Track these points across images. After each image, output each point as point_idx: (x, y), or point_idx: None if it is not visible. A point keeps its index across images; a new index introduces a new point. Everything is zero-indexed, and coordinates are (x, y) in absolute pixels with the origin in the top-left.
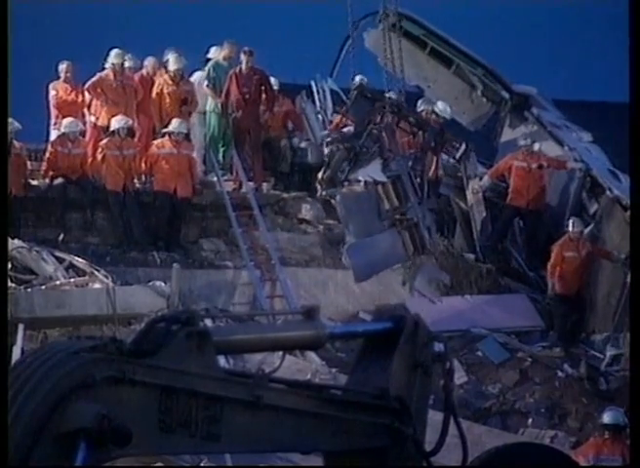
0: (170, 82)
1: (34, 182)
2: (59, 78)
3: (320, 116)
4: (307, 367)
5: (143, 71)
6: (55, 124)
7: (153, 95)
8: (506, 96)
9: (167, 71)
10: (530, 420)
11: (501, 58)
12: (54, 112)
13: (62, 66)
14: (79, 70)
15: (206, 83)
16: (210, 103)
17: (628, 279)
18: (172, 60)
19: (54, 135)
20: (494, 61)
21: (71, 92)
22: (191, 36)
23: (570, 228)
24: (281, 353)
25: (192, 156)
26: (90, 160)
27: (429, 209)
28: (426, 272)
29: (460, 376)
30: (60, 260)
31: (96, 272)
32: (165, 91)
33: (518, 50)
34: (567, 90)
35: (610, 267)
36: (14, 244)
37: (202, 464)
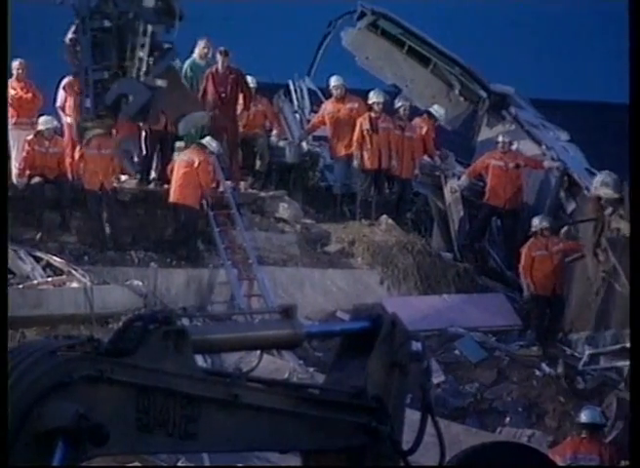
0: None
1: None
2: (11, 76)
3: (298, 115)
4: (285, 366)
5: None
6: (14, 123)
7: None
8: (484, 95)
9: None
10: (507, 419)
11: (482, 57)
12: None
13: (15, 64)
14: (35, 68)
15: (183, 82)
16: None
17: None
18: None
19: (12, 134)
20: (473, 61)
21: (25, 90)
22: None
23: (534, 226)
24: (258, 352)
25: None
26: (68, 160)
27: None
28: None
29: (437, 375)
30: (38, 260)
31: (73, 271)
32: None
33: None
34: (545, 89)
35: (588, 266)
36: None
37: (179, 463)
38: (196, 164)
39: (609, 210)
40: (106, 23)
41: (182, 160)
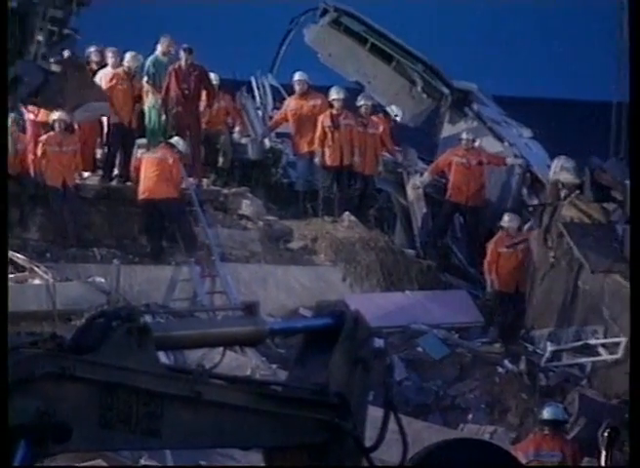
0: (124, 77)
1: None
2: None
3: (260, 112)
4: (247, 362)
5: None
6: None
7: (104, 89)
8: (446, 91)
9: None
10: (470, 416)
11: (444, 54)
12: None
13: None
14: None
15: (145, 79)
16: (150, 99)
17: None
18: (128, 58)
19: None
20: (436, 58)
21: None
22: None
23: (504, 221)
24: (221, 349)
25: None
26: (30, 156)
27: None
28: None
29: (399, 372)
30: None
31: (35, 268)
32: (119, 87)
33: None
34: (507, 86)
35: (552, 264)
36: None
37: (142, 461)
38: (171, 161)
39: (564, 195)
40: (14, 4)
41: (154, 157)
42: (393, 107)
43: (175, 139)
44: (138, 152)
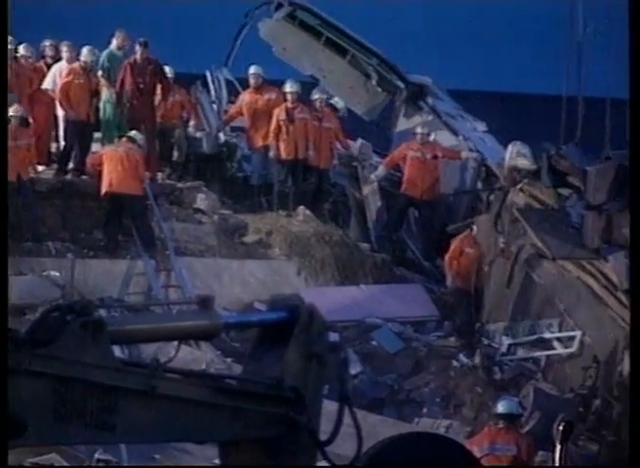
0: (81, 72)
1: None
2: None
3: (215, 106)
4: (202, 356)
5: (41, 61)
6: None
7: (60, 84)
8: (401, 85)
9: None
10: (424, 410)
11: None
12: None
13: None
14: None
15: (100, 73)
16: (104, 93)
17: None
18: (85, 52)
19: None
20: (391, 52)
21: None
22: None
23: (474, 230)
24: (176, 343)
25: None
26: None
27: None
28: None
29: (354, 366)
30: None
31: None
32: (75, 81)
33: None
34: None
35: (502, 249)
36: None
37: (97, 455)
38: (137, 157)
39: (520, 180)
40: None
41: (117, 151)
42: (336, 99)
43: (133, 133)
44: (93, 146)
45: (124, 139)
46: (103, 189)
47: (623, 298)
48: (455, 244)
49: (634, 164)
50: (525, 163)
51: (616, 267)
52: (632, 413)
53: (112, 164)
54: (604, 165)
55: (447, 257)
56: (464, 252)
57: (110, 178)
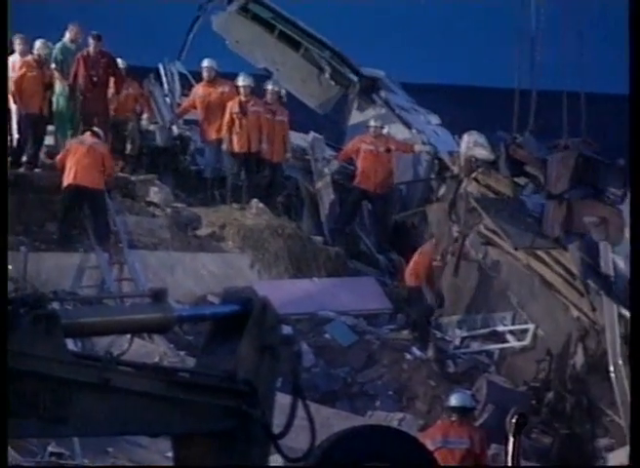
0: (34, 65)
1: None
2: None
3: (168, 99)
4: (155, 349)
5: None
6: None
7: (14, 77)
8: (354, 78)
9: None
10: (378, 403)
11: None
12: None
13: None
14: None
15: (53, 66)
16: (57, 86)
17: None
18: (38, 45)
19: None
20: (344, 45)
21: None
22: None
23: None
24: (129, 336)
25: None
26: None
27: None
28: None
29: (307, 359)
30: None
31: None
32: (29, 74)
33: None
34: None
35: (456, 238)
36: None
37: (50, 448)
38: (102, 149)
39: (474, 169)
40: None
41: (82, 145)
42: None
43: (95, 128)
44: (46, 139)
45: (88, 133)
46: (66, 182)
47: (581, 288)
48: (419, 259)
49: (634, 164)
50: (483, 153)
51: (574, 256)
52: (632, 413)
53: (76, 157)
54: (564, 153)
55: (408, 271)
56: (432, 265)
57: (75, 171)
